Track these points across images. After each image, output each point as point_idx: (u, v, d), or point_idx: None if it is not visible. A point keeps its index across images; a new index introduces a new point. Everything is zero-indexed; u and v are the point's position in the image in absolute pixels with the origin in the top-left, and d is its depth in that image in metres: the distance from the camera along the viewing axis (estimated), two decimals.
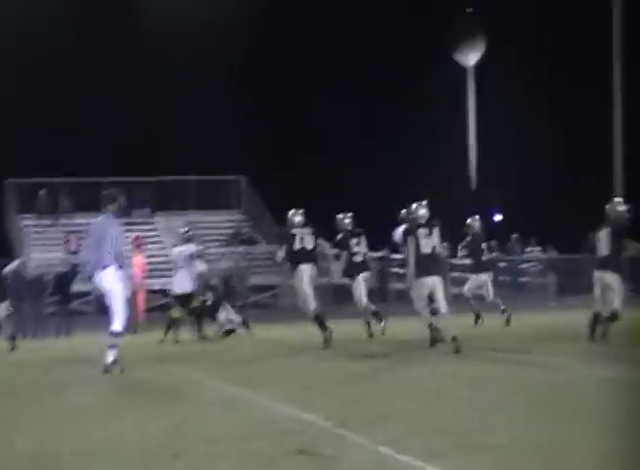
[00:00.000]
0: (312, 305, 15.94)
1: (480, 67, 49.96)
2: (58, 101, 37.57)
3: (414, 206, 14.45)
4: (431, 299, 14.38)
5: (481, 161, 49.80)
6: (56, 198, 37.73)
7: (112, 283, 12.76)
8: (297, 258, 16.13)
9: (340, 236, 17.48)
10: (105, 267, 12.71)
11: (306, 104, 40.00)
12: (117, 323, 12.69)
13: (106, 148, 37.94)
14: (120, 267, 12.90)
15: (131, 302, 22.30)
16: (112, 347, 12.52)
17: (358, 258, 17.41)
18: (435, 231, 14.28)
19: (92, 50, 38.84)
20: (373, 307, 17.40)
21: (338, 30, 41.65)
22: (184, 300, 19.54)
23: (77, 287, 26.21)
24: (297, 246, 16.15)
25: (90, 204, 36.86)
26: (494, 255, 21.49)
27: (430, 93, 39.99)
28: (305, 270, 16.03)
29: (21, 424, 8.33)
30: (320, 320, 15.91)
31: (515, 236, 35.17)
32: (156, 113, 38.77)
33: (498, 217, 47.48)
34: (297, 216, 16.49)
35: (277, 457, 6.40)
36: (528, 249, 34.65)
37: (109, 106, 38.14)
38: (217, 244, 34.04)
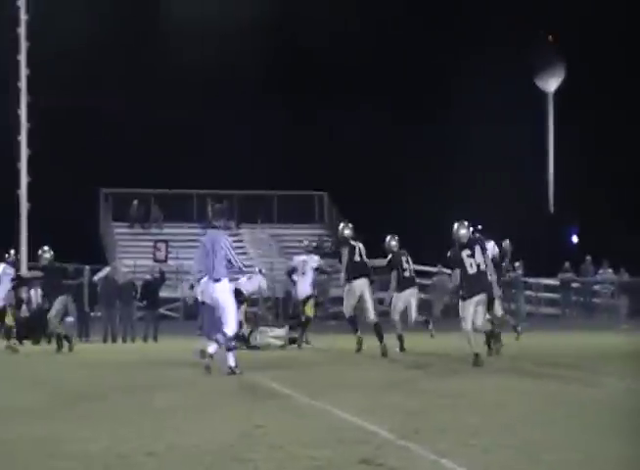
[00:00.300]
0: (349, 313, 16.99)
1: (559, 92, 49.55)
2: (150, 117, 38.06)
3: (455, 226, 14.44)
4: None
5: (559, 183, 49.30)
6: (147, 208, 38.27)
7: (223, 293, 13.02)
8: (355, 270, 16.77)
9: (390, 255, 18.16)
10: (217, 279, 12.94)
11: (383, 123, 39.98)
12: (230, 328, 13.00)
13: (195, 162, 38.33)
14: (230, 279, 13.17)
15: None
16: (229, 350, 12.91)
17: (406, 274, 18.09)
18: (477, 249, 14.33)
19: (181, 68, 39.26)
20: (399, 328, 18.01)
21: (419, 55, 41.62)
22: (303, 303, 20.25)
23: (165, 293, 26.57)
24: (356, 258, 16.82)
25: (179, 214, 37.55)
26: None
27: (509, 117, 39.69)
28: (359, 285, 16.74)
29: (100, 424, 8.42)
30: (354, 326, 17.14)
31: (588, 258, 34.78)
32: (242, 129, 39.09)
33: (575, 239, 47.00)
34: (346, 230, 17.22)
35: (341, 466, 6.38)
36: (601, 271, 34.25)
37: (197, 122, 38.54)
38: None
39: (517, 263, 23.74)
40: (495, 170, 39.65)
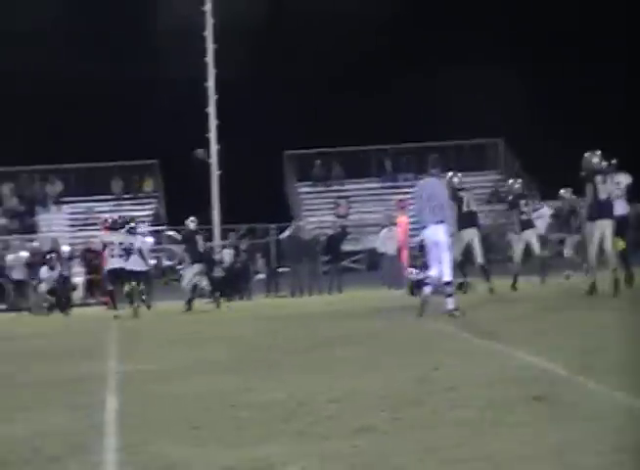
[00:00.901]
0: (480, 259, 17.39)
1: None
2: (326, 78, 38.12)
3: (587, 155, 14.52)
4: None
5: None
6: (329, 166, 38.57)
7: (442, 236, 13.03)
8: (464, 220, 17.07)
9: (510, 198, 19.20)
10: (440, 221, 13.01)
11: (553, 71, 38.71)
12: (448, 274, 13.01)
13: (372, 118, 38.18)
14: (446, 223, 13.16)
15: (396, 259, 22.57)
16: (449, 296, 12.88)
17: (524, 217, 18.59)
18: (610, 179, 14.49)
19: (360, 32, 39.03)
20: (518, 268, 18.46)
21: None
22: None
23: (347, 247, 26.76)
24: (464, 208, 17.31)
25: (359, 170, 37.70)
26: None
27: None
28: (467, 234, 17.19)
29: (283, 375, 8.54)
30: (485, 272, 17.52)
31: None
32: (414, 80, 38.59)
33: None
34: (455, 178, 17.69)
35: (515, 403, 6.27)
36: None
37: (370, 78, 38.35)
38: (477, 203, 33.69)
39: None
40: None
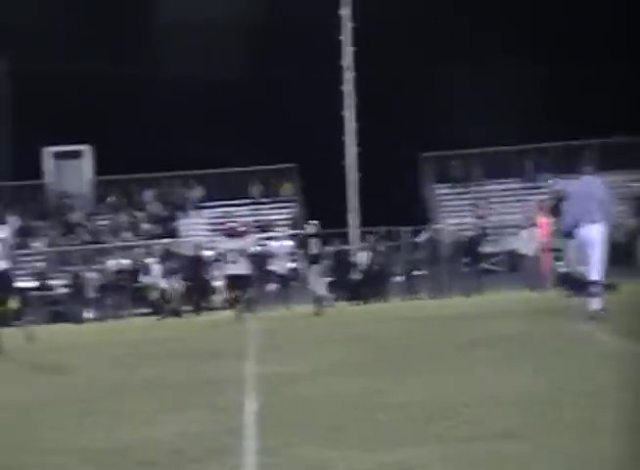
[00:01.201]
0: None
1: None
2: (463, 78, 37.74)
3: None
4: None
5: None
6: (468, 167, 38.28)
7: (597, 235, 12.77)
8: None
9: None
10: (593, 222, 12.75)
11: None
12: (596, 273, 12.71)
13: (510, 118, 37.66)
14: (603, 222, 12.85)
15: (537, 260, 22.23)
16: (594, 295, 12.58)
17: None
18: None
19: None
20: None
21: None
22: None
23: (487, 248, 26.48)
24: None
25: (498, 171, 37.21)
26: None
27: None
28: None
29: (422, 376, 8.49)
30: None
31: None
32: (557, 79, 37.92)
33: None
34: None
35: None
36: None
37: (507, 77, 37.78)
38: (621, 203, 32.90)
39: None
40: None
